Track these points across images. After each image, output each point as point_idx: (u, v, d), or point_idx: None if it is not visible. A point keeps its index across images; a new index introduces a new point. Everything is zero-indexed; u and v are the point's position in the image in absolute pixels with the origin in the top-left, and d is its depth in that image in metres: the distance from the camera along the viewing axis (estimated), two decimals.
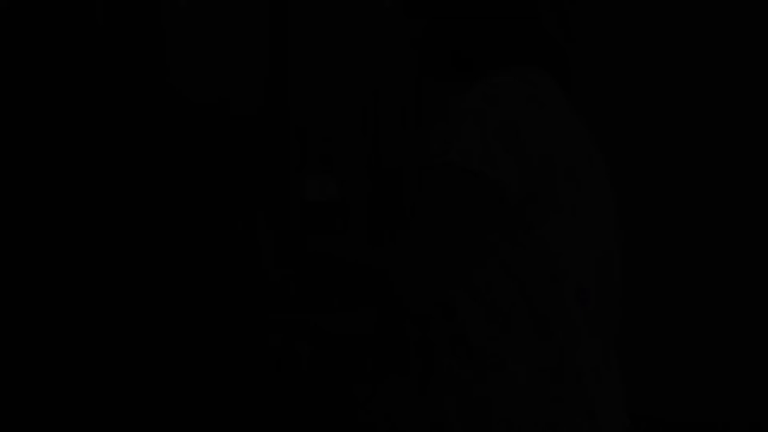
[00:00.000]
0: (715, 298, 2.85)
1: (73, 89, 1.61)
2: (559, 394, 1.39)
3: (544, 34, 1.46)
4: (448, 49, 1.48)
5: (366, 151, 2.11)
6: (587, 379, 1.41)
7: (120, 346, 1.58)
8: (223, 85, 1.81)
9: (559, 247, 1.39)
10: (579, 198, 1.41)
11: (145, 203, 1.72)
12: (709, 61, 2.86)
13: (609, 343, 1.49)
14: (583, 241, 1.41)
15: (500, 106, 1.37)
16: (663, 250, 2.92)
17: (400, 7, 1.48)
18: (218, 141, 1.78)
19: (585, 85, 2.92)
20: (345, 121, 2.09)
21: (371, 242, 1.84)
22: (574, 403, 1.39)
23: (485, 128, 1.36)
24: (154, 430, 1.63)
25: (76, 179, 1.67)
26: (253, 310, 1.78)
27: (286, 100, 1.89)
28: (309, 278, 1.60)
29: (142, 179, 1.72)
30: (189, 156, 1.75)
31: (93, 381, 1.60)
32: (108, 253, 1.66)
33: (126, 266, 1.69)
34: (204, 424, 1.74)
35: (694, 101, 2.88)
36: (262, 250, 1.71)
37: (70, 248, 1.63)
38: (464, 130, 1.36)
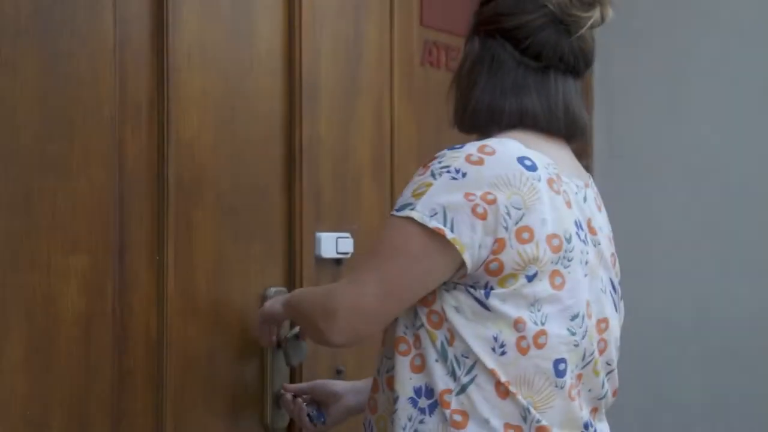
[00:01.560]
0: None
1: None
2: None
3: (550, 102, 1.49)
4: (460, 108, 1.56)
5: (379, 205, 2.18)
6: None
7: None
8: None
9: (527, 314, 1.41)
10: (560, 268, 1.42)
11: None
12: None
13: (598, 412, 1.52)
14: (562, 310, 1.43)
15: (477, 168, 1.39)
16: None
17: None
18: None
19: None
20: (357, 175, 2.13)
21: None
22: None
23: (456, 189, 1.39)
24: None
25: None
26: None
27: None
28: None
29: None
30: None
31: None
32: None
33: None
34: None
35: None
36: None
37: None
38: (435, 188, 1.40)
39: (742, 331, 2.73)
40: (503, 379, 1.41)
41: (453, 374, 1.43)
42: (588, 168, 2.84)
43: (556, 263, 1.42)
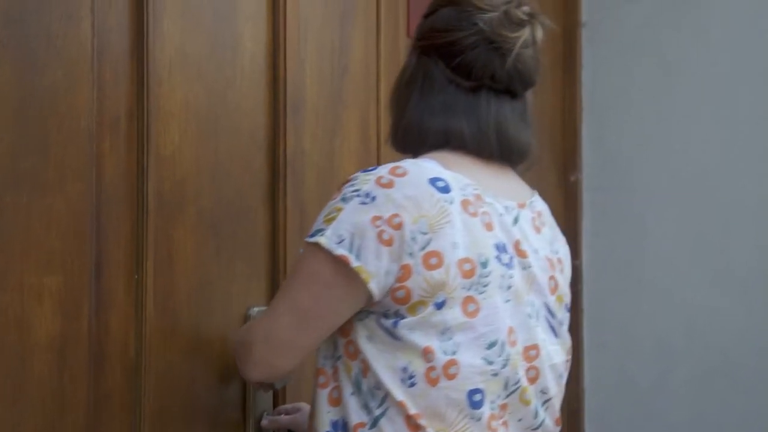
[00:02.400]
0: None
1: None
2: None
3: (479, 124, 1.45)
4: (393, 126, 1.54)
5: None
6: None
7: None
8: None
9: (436, 343, 1.36)
10: (474, 294, 1.37)
11: None
12: None
13: None
14: (476, 338, 1.37)
15: (386, 191, 1.35)
16: None
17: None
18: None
19: None
20: None
21: None
22: None
23: (364, 213, 1.35)
24: None
25: None
26: None
27: None
28: None
29: None
30: None
31: None
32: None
33: None
34: None
35: None
36: None
37: None
38: (344, 213, 1.37)
39: (733, 350, 2.69)
40: (412, 411, 1.36)
41: (366, 407, 1.38)
42: (577, 182, 2.89)
43: (469, 289, 1.36)
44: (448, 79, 1.46)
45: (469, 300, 1.37)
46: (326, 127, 2.07)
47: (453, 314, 1.36)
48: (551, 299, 1.48)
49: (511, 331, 1.40)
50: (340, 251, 1.36)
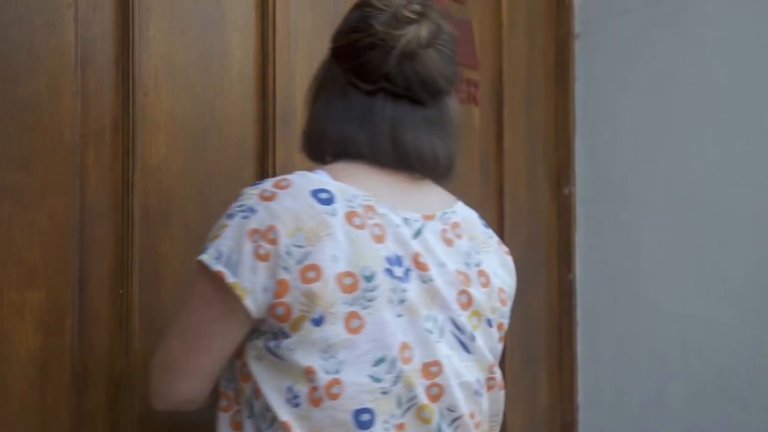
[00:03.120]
0: None
1: None
2: None
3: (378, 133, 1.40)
4: (302, 133, 1.49)
5: None
6: None
7: None
8: None
9: (318, 362, 1.31)
10: (358, 309, 1.31)
11: None
12: None
13: None
14: (360, 355, 1.32)
15: (267, 204, 1.32)
16: None
17: None
18: None
19: None
20: None
21: None
22: None
23: (244, 228, 1.31)
24: None
25: None
26: None
27: None
28: None
29: None
30: None
31: None
32: None
33: None
34: None
35: None
36: None
37: None
38: (228, 229, 1.32)
39: (728, 364, 2.67)
40: (310, 429, 1.31)
41: (259, 430, 1.34)
42: (570, 195, 2.87)
43: (352, 304, 1.31)
44: (349, 83, 1.42)
45: (352, 316, 1.31)
46: None
47: (335, 331, 1.30)
48: (461, 314, 1.40)
49: (404, 347, 1.34)
50: (217, 267, 1.31)
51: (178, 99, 1.69)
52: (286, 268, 1.30)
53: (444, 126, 1.44)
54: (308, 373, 1.30)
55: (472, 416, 1.41)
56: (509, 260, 1.53)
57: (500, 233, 2.61)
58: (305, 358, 1.30)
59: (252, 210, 1.32)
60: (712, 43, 2.74)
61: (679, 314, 2.75)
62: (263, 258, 1.30)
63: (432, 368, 1.36)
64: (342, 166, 1.40)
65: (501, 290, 1.47)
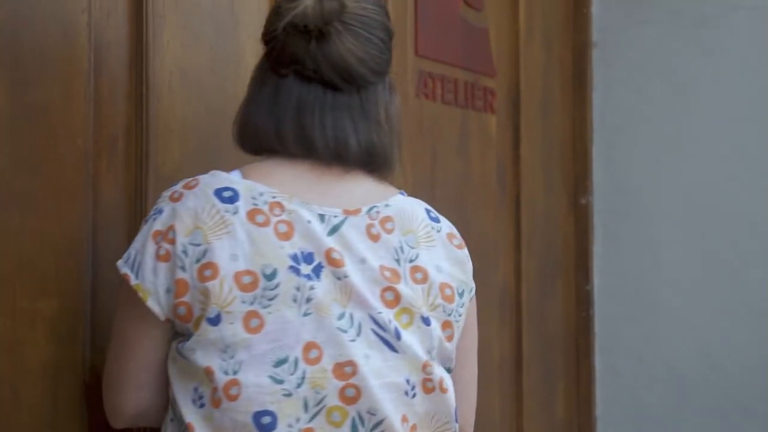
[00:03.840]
0: None
1: None
2: None
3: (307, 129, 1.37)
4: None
5: None
6: None
7: None
8: None
9: (217, 363, 1.29)
10: (258, 308, 1.29)
11: None
12: None
13: None
14: (260, 356, 1.29)
15: (173, 205, 1.32)
16: None
17: None
18: None
19: None
20: None
21: None
22: None
23: (150, 230, 1.32)
24: None
25: None
26: None
27: None
28: None
29: None
30: None
31: None
32: None
33: None
34: None
35: None
36: None
37: None
38: (141, 233, 1.34)
39: (749, 380, 2.64)
40: None
41: None
42: (588, 205, 2.85)
43: (252, 303, 1.29)
44: (269, 68, 1.40)
45: (251, 315, 1.29)
46: None
47: (233, 330, 1.28)
48: (384, 312, 1.34)
49: (310, 346, 1.31)
50: (124, 270, 1.33)
51: (192, 105, 1.68)
52: (182, 268, 1.29)
53: (366, 114, 1.39)
54: (208, 374, 1.29)
55: (404, 420, 1.34)
56: (461, 253, 1.44)
57: (516, 243, 2.60)
58: (204, 359, 1.29)
59: (160, 211, 1.33)
60: (730, 54, 2.73)
61: (699, 326, 2.73)
62: (164, 259, 1.30)
63: (346, 368, 1.32)
64: (259, 165, 1.39)
65: (445, 285, 1.39)
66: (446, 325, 1.40)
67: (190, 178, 1.35)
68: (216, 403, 1.29)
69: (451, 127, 2.41)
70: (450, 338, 1.40)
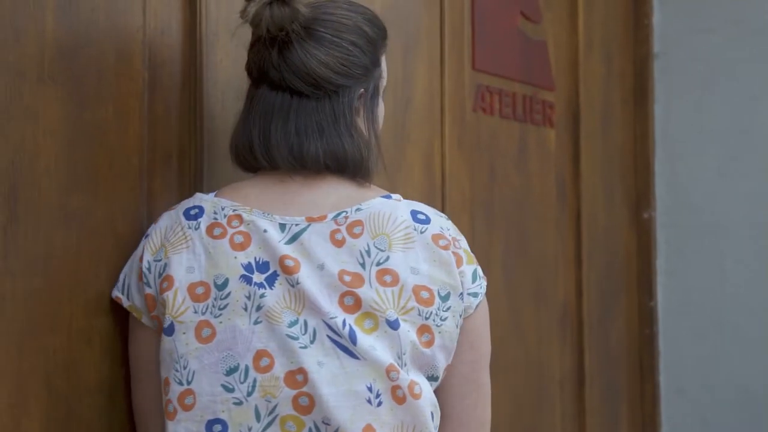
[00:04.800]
0: None
1: None
2: None
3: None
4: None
5: None
6: None
7: None
8: None
9: (172, 373, 1.32)
10: (209, 318, 1.32)
11: None
12: None
13: None
14: (212, 364, 1.31)
15: (154, 227, 1.41)
16: None
17: None
18: None
19: None
20: None
21: None
22: None
23: (136, 254, 1.41)
24: None
25: None
26: None
27: None
28: None
29: None
30: None
31: None
32: None
33: None
34: None
35: None
36: None
37: None
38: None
39: None
40: None
41: None
42: (650, 220, 2.81)
43: (204, 313, 1.32)
44: (251, 84, 1.44)
45: (204, 324, 1.32)
46: (388, 161, 1.99)
47: (185, 340, 1.32)
48: (339, 317, 1.31)
49: (261, 354, 1.30)
50: (116, 293, 1.42)
51: None
52: (147, 284, 1.37)
53: (336, 119, 1.39)
54: (165, 385, 1.33)
55: (368, 430, 1.30)
56: (446, 254, 1.37)
57: (577, 258, 2.58)
58: (163, 370, 1.34)
59: (148, 234, 1.42)
60: None
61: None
62: (138, 278, 1.39)
63: (297, 377, 1.30)
64: (236, 183, 1.43)
65: (421, 288, 1.34)
66: (423, 330, 1.34)
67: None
68: (170, 416, 1.32)
69: (510, 142, 2.39)
70: (429, 343, 1.35)
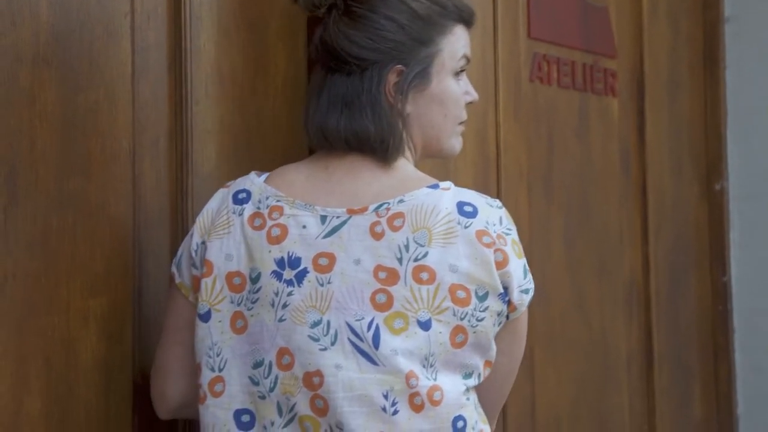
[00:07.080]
0: None
1: None
2: None
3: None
4: None
5: None
6: None
7: None
8: None
9: (205, 359, 1.34)
10: (243, 309, 1.32)
11: None
12: None
13: None
14: (243, 356, 1.31)
15: (206, 206, 1.40)
16: None
17: None
18: None
19: None
20: None
21: None
22: None
23: (189, 234, 1.42)
24: None
25: None
26: None
27: None
28: None
29: None
30: None
31: None
32: None
33: None
34: None
35: None
36: None
37: None
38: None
39: None
40: (202, 428, 1.37)
41: None
42: (722, 191, 2.71)
43: (239, 304, 1.33)
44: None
45: (238, 315, 1.33)
46: None
47: (221, 328, 1.34)
48: (366, 318, 1.28)
49: (283, 352, 1.30)
50: (173, 268, 1.43)
51: (227, 107, 1.67)
52: (194, 266, 1.37)
53: (359, 95, 1.36)
54: (197, 370, 1.35)
55: None
56: (488, 252, 1.31)
57: (644, 233, 2.51)
58: (198, 355, 1.35)
59: (201, 214, 1.41)
60: None
61: None
62: (189, 258, 1.39)
63: (314, 379, 1.29)
64: (285, 166, 1.42)
65: (458, 287, 1.29)
66: (457, 330, 1.30)
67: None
68: (201, 400, 1.35)
69: (569, 112, 2.34)
70: (461, 344, 1.31)
